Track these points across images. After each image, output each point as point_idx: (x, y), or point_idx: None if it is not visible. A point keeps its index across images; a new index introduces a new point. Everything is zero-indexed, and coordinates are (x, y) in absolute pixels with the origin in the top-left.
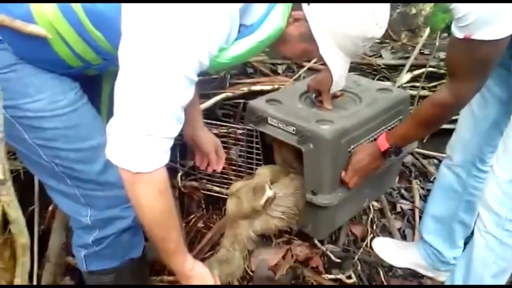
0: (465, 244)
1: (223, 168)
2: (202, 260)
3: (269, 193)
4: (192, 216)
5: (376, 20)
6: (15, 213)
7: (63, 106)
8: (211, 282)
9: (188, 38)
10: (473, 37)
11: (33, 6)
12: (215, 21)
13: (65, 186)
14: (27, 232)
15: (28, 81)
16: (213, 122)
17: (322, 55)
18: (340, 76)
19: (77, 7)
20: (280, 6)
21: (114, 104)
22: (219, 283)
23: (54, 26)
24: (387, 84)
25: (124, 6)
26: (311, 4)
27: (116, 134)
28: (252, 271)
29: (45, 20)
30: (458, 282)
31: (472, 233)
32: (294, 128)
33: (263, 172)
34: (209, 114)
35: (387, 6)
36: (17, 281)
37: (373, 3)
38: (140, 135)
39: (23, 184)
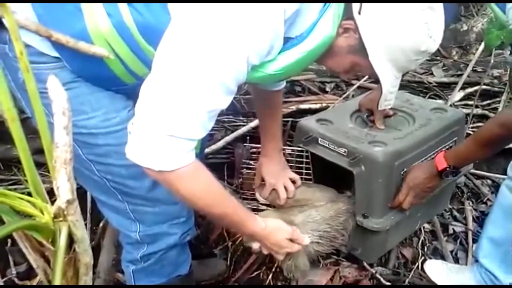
0: None
1: None
2: (249, 279)
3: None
4: (238, 235)
5: (430, 32)
6: (81, 233)
7: (116, 123)
8: (288, 230)
9: (226, 42)
10: None
11: (88, 23)
12: (256, 30)
13: (116, 201)
14: (91, 251)
15: (83, 99)
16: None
17: (373, 66)
18: (390, 93)
19: (129, 22)
20: (329, 13)
21: (138, 102)
22: (298, 230)
23: (109, 43)
24: (441, 103)
25: (173, 13)
26: (362, 13)
27: (138, 132)
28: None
29: (101, 38)
30: None
31: None
32: (346, 149)
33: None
34: (256, 132)
35: (441, 17)
36: None
37: (427, 15)
38: (162, 135)
39: None
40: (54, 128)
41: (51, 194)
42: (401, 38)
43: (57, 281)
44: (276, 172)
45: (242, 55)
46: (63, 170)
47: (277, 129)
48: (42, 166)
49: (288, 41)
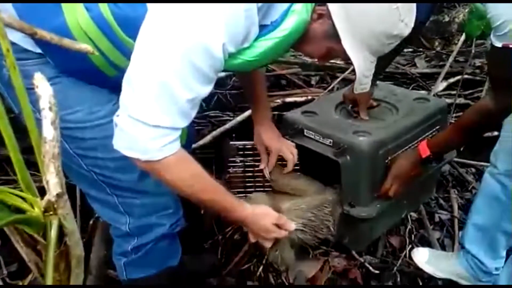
0: (508, 254)
1: (259, 181)
2: (240, 272)
3: None
4: (228, 229)
5: (401, 17)
6: (71, 226)
7: (101, 116)
8: (275, 215)
9: (202, 30)
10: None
11: (67, 16)
12: (231, 18)
13: (105, 194)
14: (81, 244)
15: (67, 94)
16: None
17: (346, 51)
18: (364, 76)
19: (107, 15)
20: None
21: (121, 94)
22: (285, 217)
23: (89, 37)
24: (424, 93)
25: (150, 5)
26: None
27: (123, 124)
28: (289, 283)
29: (81, 32)
30: None
31: None
32: (331, 140)
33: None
34: (243, 126)
35: (412, 3)
36: None
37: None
38: (146, 125)
39: None
40: (41, 124)
41: (42, 192)
42: (373, 22)
43: (49, 274)
44: (277, 137)
45: (217, 42)
46: (52, 164)
47: (264, 98)
48: (32, 165)
49: (263, 28)
